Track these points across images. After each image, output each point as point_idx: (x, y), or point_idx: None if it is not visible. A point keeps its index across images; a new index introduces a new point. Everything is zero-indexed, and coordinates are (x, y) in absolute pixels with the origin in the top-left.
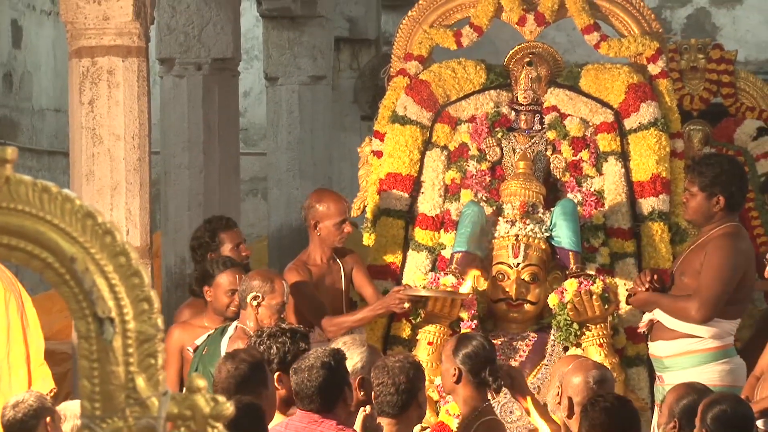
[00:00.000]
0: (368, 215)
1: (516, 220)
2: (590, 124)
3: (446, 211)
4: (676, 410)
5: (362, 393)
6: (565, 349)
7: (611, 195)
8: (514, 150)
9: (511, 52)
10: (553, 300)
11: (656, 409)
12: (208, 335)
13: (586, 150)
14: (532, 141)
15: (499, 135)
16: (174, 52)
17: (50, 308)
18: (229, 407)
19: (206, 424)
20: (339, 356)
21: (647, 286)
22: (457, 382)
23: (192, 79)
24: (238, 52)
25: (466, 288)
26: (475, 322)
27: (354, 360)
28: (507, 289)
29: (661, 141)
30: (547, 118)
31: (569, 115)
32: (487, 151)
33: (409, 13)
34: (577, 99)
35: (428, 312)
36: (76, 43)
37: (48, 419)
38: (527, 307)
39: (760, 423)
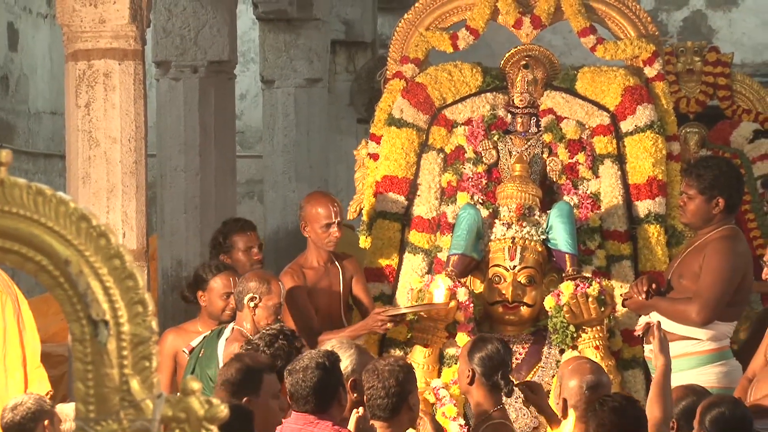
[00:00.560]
0: (364, 218)
1: (512, 223)
2: (586, 126)
3: (442, 213)
4: (675, 412)
5: (355, 395)
6: (561, 351)
7: (607, 198)
8: (510, 153)
9: (507, 55)
10: (549, 302)
11: None
12: (204, 337)
13: (583, 153)
14: (529, 144)
15: (496, 138)
16: (170, 54)
17: (46, 311)
18: (223, 410)
19: (200, 427)
20: (333, 357)
21: (644, 296)
22: (471, 383)
23: (188, 82)
24: (235, 55)
25: (461, 294)
26: (471, 324)
27: (344, 363)
28: (503, 292)
29: (658, 144)
30: (544, 121)
31: (565, 117)
32: (483, 154)
33: (406, 16)
34: (573, 102)
35: (418, 326)
36: (72, 46)
37: (46, 422)
38: (523, 309)
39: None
